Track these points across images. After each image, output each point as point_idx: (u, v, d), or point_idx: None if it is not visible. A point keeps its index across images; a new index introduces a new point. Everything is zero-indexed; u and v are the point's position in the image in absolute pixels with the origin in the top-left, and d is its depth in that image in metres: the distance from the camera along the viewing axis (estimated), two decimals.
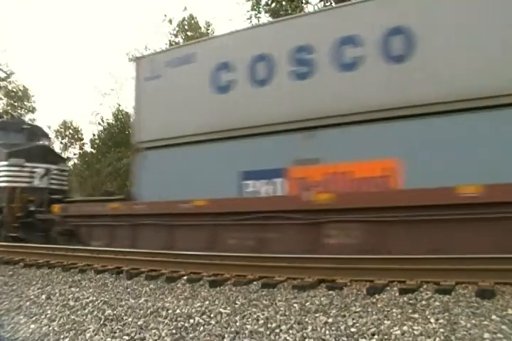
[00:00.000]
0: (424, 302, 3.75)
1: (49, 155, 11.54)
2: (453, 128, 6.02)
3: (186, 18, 26.24)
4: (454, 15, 6.18)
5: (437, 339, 2.91)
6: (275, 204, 6.64)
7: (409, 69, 6.32)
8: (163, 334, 3.38)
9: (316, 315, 3.56)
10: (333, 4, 17.54)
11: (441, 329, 3.04)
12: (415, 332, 3.02)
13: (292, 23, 7.68)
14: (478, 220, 5.31)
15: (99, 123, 25.47)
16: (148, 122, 8.59)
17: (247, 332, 3.30)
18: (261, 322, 3.47)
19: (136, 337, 3.38)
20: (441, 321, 3.21)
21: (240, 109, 7.45)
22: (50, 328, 3.78)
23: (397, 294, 4.05)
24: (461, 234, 5.42)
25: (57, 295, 4.85)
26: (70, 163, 28.00)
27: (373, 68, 6.56)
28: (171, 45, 24.34)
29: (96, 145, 25.17)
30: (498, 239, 5.12)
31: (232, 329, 3.36)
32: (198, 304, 4.07)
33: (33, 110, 30.08)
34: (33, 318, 4.11)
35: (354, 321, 3.33)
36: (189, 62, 8.10)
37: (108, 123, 24.72)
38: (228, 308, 3.88)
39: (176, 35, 26.08)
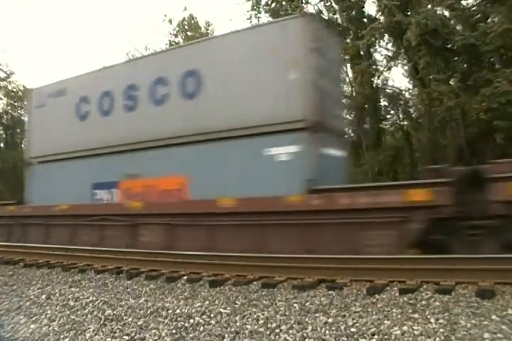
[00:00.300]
0: (424, 302, 3.76)
1: None
2: (219, 152, 7.47)
3: (186, 18, 26.31)
4: (225, 62, 7.56)
5: (437, 339, 2.91)
6: (109, 209, 8.53)
7: (197, 104, 7.85)
8: (163, 334, 3.38)
9: (316, 315, 3.57)
10: (333, 4, 17.56)
11: (441, 329, 3.04)
12: (415, 332, 3.02)
13: (126, 65, 9.77)
14: (233, 225, 6.84)
15: None
16: (36, 142, 10.56)
17: (247, 332, 3.30)
18: (261, 322, 3.48)
19: (136, 337, 3.38)
20: (441, 321, 3.21)
21: (92, 134, 9.29)
22: (50, 328, 3.78)
23: (397, 294, 4.06)
24: (223, 236, 6.91)
25: (57, 295, 4.86)
26: None
27: (174, 103, 8.15)
28: (171, 45, 24.38)
29: None
30: (249, 241, 6.54)
31: (232, 329, 3.36)
32: (198, 304, 4.08)
33: None
34: (33, 318, 4.11)
35: (354, 321, 3.34)
36: (63, 95, 10.02)
37: None
38: (228, 308, 3.89)
39: (176, 35, 26.13)
